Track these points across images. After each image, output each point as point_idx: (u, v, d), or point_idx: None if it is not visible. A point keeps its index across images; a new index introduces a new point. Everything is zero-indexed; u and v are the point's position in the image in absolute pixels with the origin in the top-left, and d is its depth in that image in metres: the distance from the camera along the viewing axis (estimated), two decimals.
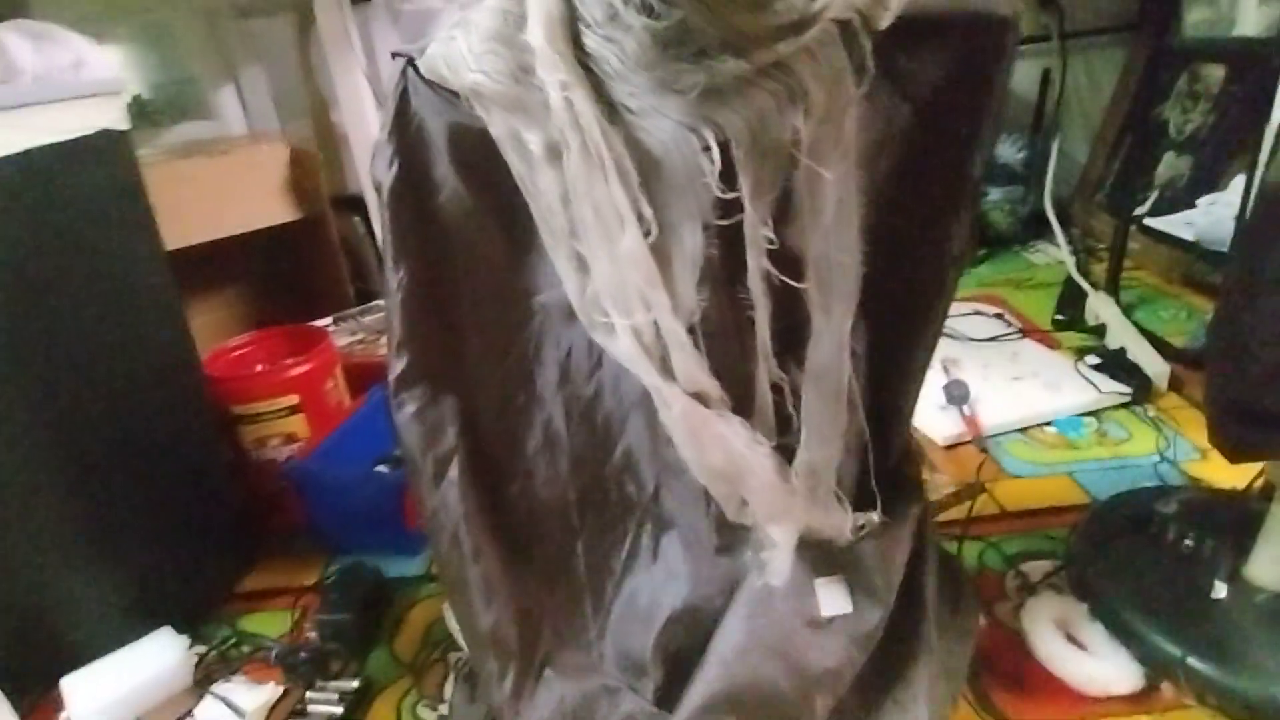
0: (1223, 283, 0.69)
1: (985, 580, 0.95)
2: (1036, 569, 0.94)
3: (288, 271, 1.52)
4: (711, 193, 0.48)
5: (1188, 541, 0.89)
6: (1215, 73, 1.61)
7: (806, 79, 0.46)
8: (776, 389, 0.57)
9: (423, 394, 0.62)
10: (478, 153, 0.53)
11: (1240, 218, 1.15)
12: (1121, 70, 1.94)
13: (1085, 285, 1.52)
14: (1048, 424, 1.23)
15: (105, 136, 0.90)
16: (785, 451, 0.59)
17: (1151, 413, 1.24)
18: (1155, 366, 1.29)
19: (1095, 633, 0.83)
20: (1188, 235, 1.42)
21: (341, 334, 1.44)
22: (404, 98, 0.54)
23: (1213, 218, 1.40)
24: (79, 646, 0.90)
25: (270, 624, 1.02)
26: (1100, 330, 1.43)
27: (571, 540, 0.70)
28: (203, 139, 1.58)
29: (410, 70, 0.54)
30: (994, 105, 0.56)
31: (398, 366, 0.61)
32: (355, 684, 0.89)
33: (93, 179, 0.89)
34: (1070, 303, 1.53)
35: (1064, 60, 1.87)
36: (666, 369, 0.52)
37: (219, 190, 1.36)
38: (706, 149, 0.46)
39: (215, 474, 1.09)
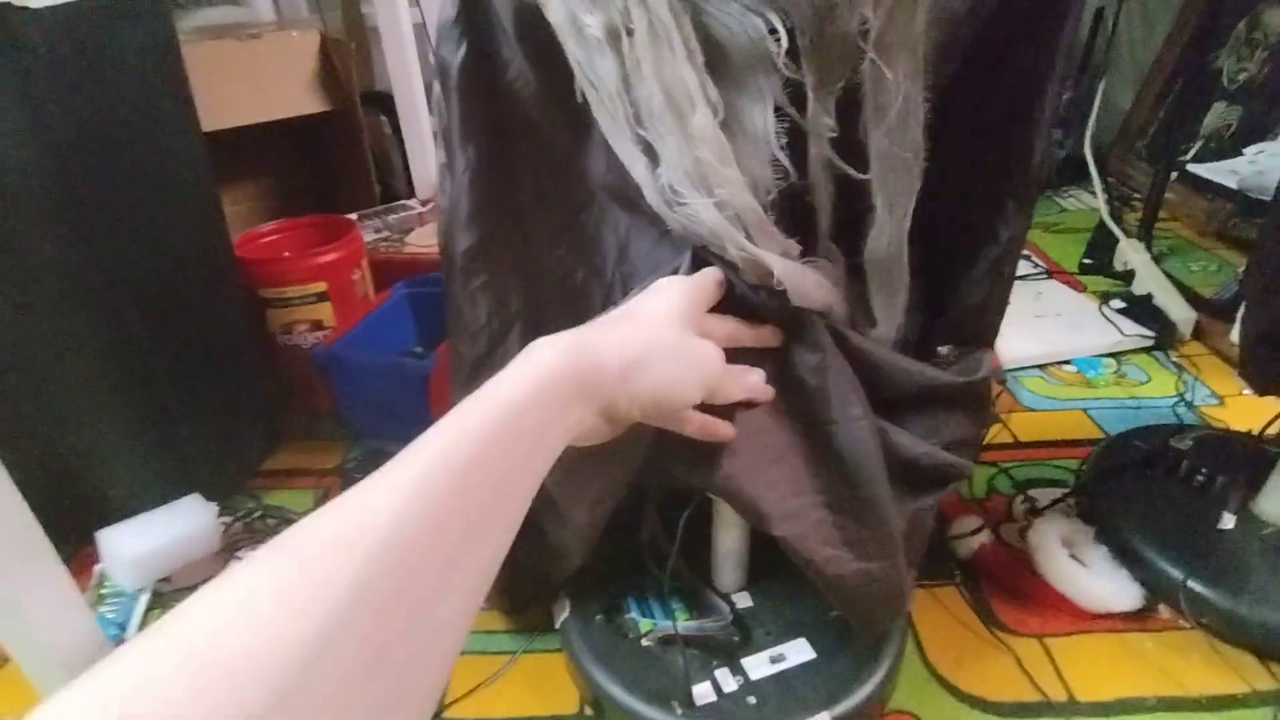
0: (1266, 224, 0.68)
1: (993, 502, 0.97)
2: (1045, 495, 0.96)
3: (315, 165, 1.51)
4: (779, 76, 0.47)
5: (1200, 476, 0.90)
6: (1277, 19, 1.55)
7: None
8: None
9: (491, 267, 0.62)
10: (541, 35, 0.53)
11: None
12: (1178, 13, 1.87)
13: (1117, 231, 1.51)
14: (1066, 362, 1.24)
15: None
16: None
17: (1174, 358, 1.24)
18: (1181, 313, 1.29)
19: (1099, 554, 0.85)
20: (1231, 183, 1.39)
21: (366, 231, 1.43)
22: None
23: (1259, 166, 1.37)
24: (115, 504, 0.94)
25: (294, 500, 1.05)
26: (1128, 277, 1.42)
27: None
28: (231, 23, 1.54)
29: None
30: (1069, 16, 0.54)
31: (466, 241, 0.61)
32: None
33: (134, 39, 0.88)
34: (1100, 247, 1.51)
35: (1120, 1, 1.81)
36: (752, 238, 0.53)
37: (250, 75, 1.34)
38: (773, 33, 0.46)
39: (245, 353, 1.10)
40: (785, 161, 0.51)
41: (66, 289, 0.85)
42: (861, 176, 0.52)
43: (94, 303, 0.87)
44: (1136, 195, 1.79)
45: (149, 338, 0.93)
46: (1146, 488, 0.91)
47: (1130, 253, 1.44)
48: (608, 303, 0.65)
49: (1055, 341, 1.26)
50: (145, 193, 0.91)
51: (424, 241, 1.41)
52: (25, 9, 0.76)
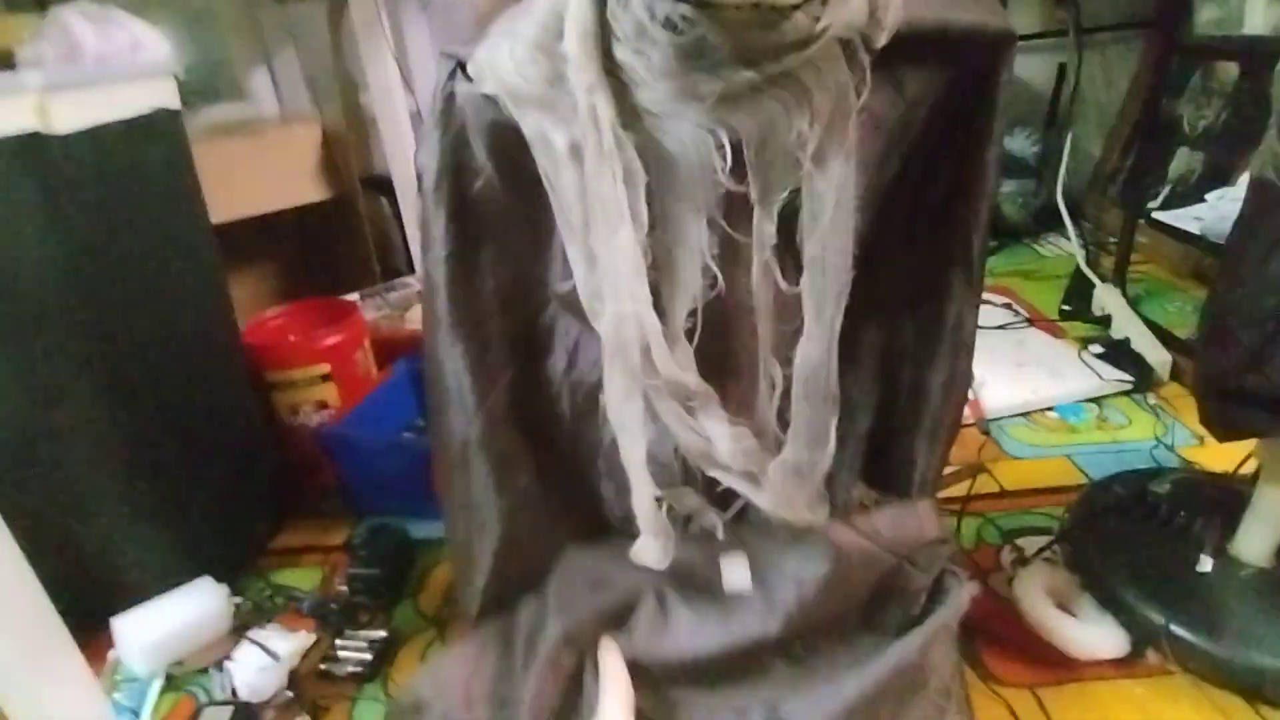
0: (1215, 273, 0.73)
1: (981, 553, 1.00)
2: (1031, 544, 0.99)
3: (318, 248, 1.58)
4: (721, 189, 0.53)
5: (1179, 519, 0.93)
6: (1230, 70, 1.63)
7: (812, 88, 0.50)
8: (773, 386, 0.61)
9: (467, 345, 0.65)
10: (511, 148, 0.58)
11: None
12: (1136, 66, 1.96)
13: (1093, 276, 1.56)
14: (1049, 409, 1.27)
15: (162, 115, 0.95)
16: (777, 444, 0.62)
17: (1152, 400, 1.28)
18: (1157, 355, 1.32)
19: (1085, 601, 0.88)
20: (1195, 229, 1.45)
21: (368, 309, 1.49)
22: (451, 95, 0.59)
23: (1219, 212, 1.43)
24: (128, 590, 0.97)
25: (303, 578, 1.08)
26: (1106, 321, 1.47)
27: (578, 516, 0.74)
28: (237, 120, 1.63)
29: (458, 71, 0.59)
30: (996, 110, 0.60)
31: (448, 316, 0.64)
32: (383, 634, 0.95)
33: (150, 154, 0.95)
34: (1078, 294, 1.56)
35: (1079, 55, 1.90)
36: (647, 360, 0.56)
37: (255, 169, 1.42)
38: (721, 148, 0.51)
39: (253, 437, 1.15)
40: (716, 270, 0.55)
41: (82, 380, 0.90)
42: (793, 290, 0.56)
43: (108, 391, 0.92)
44: (1112, 240, 1.85)
45: (161, 424, 0.98)
46: (1128, 533, 0.94)
47: (1106, 297, 1.48)
48: (558, 412, 0.69)
49: (1038, 389, 1.29)
50: (158, 288, 0.97)
51: None
52: (52, 137, 0.83)
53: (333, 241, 1.58)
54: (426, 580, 1.05)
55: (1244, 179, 1.49)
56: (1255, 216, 0.66)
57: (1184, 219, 1.51)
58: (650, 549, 0.60)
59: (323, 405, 1.22)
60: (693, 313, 0.57)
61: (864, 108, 0.52)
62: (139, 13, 1.00)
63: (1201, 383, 0.75)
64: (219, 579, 1.02)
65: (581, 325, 0.67)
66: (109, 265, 0.91)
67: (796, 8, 0.47)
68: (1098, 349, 1.37)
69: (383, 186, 1.73)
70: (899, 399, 0.71)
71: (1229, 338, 0.70)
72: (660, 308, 0.57)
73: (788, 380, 0.59)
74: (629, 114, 0.52)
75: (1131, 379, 1.29)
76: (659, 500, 0.60)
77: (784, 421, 0.61)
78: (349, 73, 1.63)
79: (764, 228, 0.54)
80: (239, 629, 0.99)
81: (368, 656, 0.92)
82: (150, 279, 0.96)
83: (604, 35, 0.52)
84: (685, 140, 0.52)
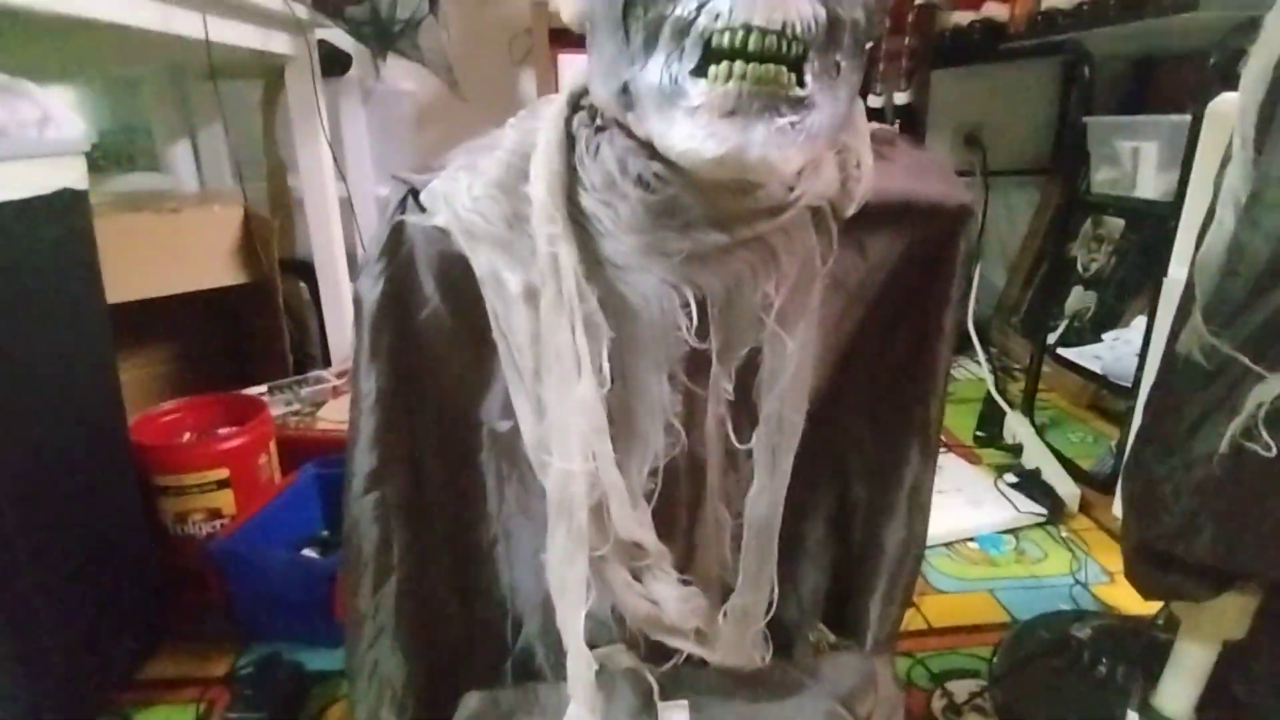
0: (1136, 435, 0.76)
1: (913, 697, 0.97)
2: (961, 688, 0.97)
3: (226, 335, 1.47)
4: (683, 346, 0.52)
5: (1101, 667, 0.94)
6: (1116, 222, 1.79)
7: (780, 253, 0.51)
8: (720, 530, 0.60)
9: (384, 496, 0.62)
10: (461, 283, 0.56)
11: (1142, 360, 1.27)
12: (1036, 208, 2.13)
13: (1004, 405, 1.63)
14: (971, 539, 1.29)
15: (65, 195, 0.87)
16: (723, 589, 0.61)
17: (1064, 533, 1.32)
18: (1067, 488, 1.38)
19: None
20: (1096, 368, 1.54)
21: (276, 404, 1.39)
22: (400, 223, 0.57)
23: (1117, 354, 1.53)
24: None
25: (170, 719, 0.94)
26: (1017, 450, 1.53)
27: (502, 659, 0.70)
28: (152, 191, 1.54)
29: (410, 198, 0.57)
30: (957, 276, 0.62)
31: (365, 465, 0.61)
32: None
33: (48, 235, 0.86)
34: (990, 420, 1.62)
35: (985, 195, 2.05)
36: (598, 519, 0.54)
37: (167, 246, 1.33)
38: (685, 305, 0.50)
39: (130, 549, 1.02)
40: (679, 427, 0.54)
41: None
42: (744, 447, 0.56)
43: None
44: (1016, 366, 1.96)
45: (16, 529, 0.85)
46: (1055, 681, 0.94)
47: (1017, 427, 1.55)
48: (493, 550, 0.65)
49: (960, 519, 1.32)
50: (39, 374, 0.87)
51: (336, 417, 1.37)
52: None
53: (244, 329, 1.49)
54: None
55: (1137, 324, 1.63)
56: (1182, 392, 0.69)
57: (1084, 357, 1.61)
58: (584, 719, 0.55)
59: (216, 514, 1.11)
60: (653, 471, 0.55)
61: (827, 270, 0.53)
62: (58, 77, 0.94)
63: (1131, 548, 0.77)
64: (69, 718, 0.88)
65: (515, 469, 0.64)
66: None
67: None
68: (1012, 478, 1.41)
69: (303, 271, 1.66)
70: (852, 552, 0.70)
71: (1159, 507, 0.72)
72: (617, 465, 0.54)
73: (735, 528, 0.58)
74: (592, 263, 0.51)
75: (1044, 511, 1.33)
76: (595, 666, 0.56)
77: (726, 567, 0.60)
78: (278, 154, 1.57)
79: (721, 384, 0.54)
80: None
81: None
82: (33, 363, 0.86)
83: (570, 181, 0.51)
84: (649, 295, 0.51)
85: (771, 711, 0.59)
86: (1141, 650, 0.93)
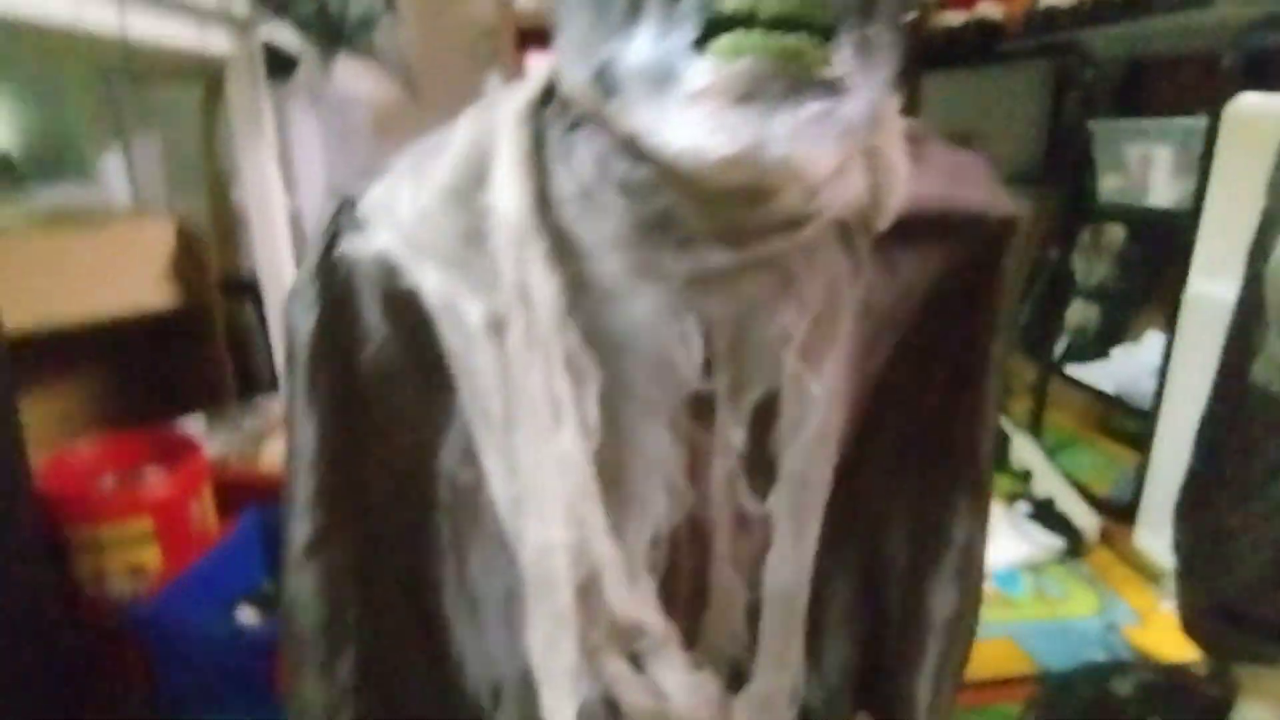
0: (1191, 475, 0.67)
1: None
2: None
3: (157, 360, 1.33)
4: (686, 388, 0.42)
5: None
6: (1116, 230, 1.71)
7: (800, 276, 0.42)
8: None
9: (328, 565, 0.51)
10: (411, 310, 0.47)
11: (1162, 381, 1.18)
12: (1032, 217, 2.05)
13: (1009, 427, 1.53)
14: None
15: None
16: (734, 672, 0.51)
17: (1085, 569, 1.22)
18: (1085, 519, 1.28)
19: None
20: (1107, 386, 1.45)
21: (214, 441, 1.25)
22: (334, 237, 0.46)
23: (1129, 371, 1.44)
24: None
25: None
26: (1025, 475, 1.43)
27: None
28: (78, 205, 1.39)
29: (346, 210, 0.46)
30: (1000, 293, 0.52)
31: (303, 531, 0.50)
32: None
33: None
34: (996, 444, 1.53)
35: None
36: (587, 597, 0.44)
37: (92, 265, 1.18)
38: (686, 338, 0.41)
39: (37, 618, 0.87)
40: (685, 489, 0.44)
41: None
42: (763, 510, 0.46)
43: None
44: (1017, 384, 1.87)
45: None
46: None
47: (1025, 452, 1.45)
48: (454, 622, 0.55)
49: None
50: None
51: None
52: None
53: (178, 353, 1.34)
54: None
55: (1148, 338, 1.54)
56: (1259, 429, 0.59)
57: (1093, 374, 1.52)
58: None
59: (139, 571, 0.97)
60: (654, 540, 0.45)
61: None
62: None
63: (1195, 605, 0.67)
64: None
65: (477, 526, 0.53)
66: None
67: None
68: (1025, 508, 1.31)
69: (249, 290, 1.52)
70: (889, 621, 0.59)
71: (1234, 559, 0.62)
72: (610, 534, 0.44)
73: (750, 602, 0.49)
74: (571, 289, 0.41)
75: (1063, 543, 1.23)
76: None
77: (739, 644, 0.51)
78: (219, 164, 1.44)
79: (730, 434, 0.44)
80: None
81: None
82: None
83: (541, 189, 0.41)
84: (642, 326, 0.41)
85: None
86: (1189, 707, 0.83)
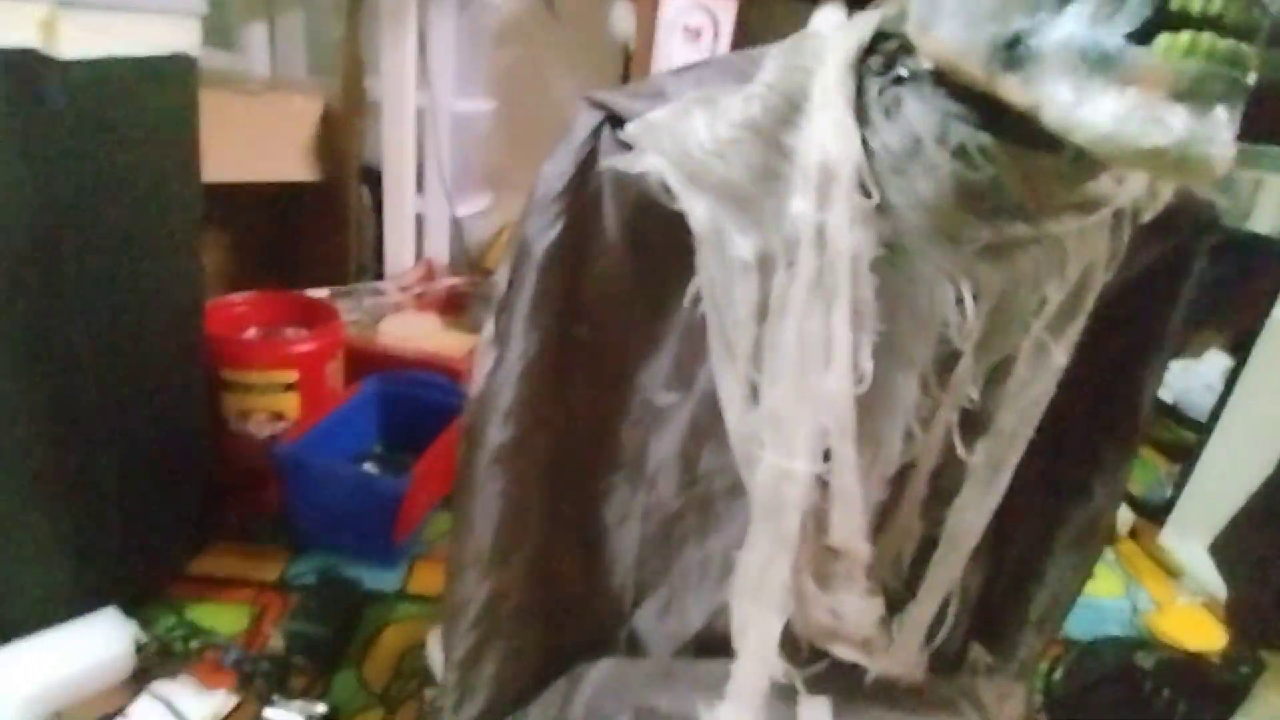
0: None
1: None
2: None
3: (289, 232, 1.41)
4: (945, 348, 0.46)
5: (1162, 697, 0.93)
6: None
7: (1070, 254, 0.45)
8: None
9: (518, 472, 0.55)
10: (654, 233, 0.49)
11: (1225, 398, 1.24)
12: None
13: None
14: None
15: (179, 60, 0.81)
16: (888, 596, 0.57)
17: (1112, 556, 1.31)
18: (1120, 513, 1.36)
19: None
20: (1166, 397, 1.52)
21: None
22: (593, 154, 0.49)
23: (1186, 385, 1.50)
24: (14, 608, 0.79)
25: (223, 618, 0.92)
26: None
27: (614, 637, 0.65)
28: (222, 70, 1.46)
29: (606, 125, 0.49)
30: (1193, 274, 0.58)
31: (500, 436, 0.54)
32: (322, 709, 0.81)
33: (155, 101, 0.81)
34: None
35: None
36: (818, 524, 0.49)
37: (244, 132, 1.26)
38: (960, 301, 0.44)
39: (191, 438, 0.98)
40: (920, 435, 0.49)
41: (18, 350, 0.73)
42: (969, 459, 0.50)
43: (31, 363, 0.75)
44: None
45: (80, 410, 0.81)
46: (1115, 708, 0.93)
47: None
48: (619, 531, 0.60)
49: None
50: (130, 255, 0.82)
51: (398, 331, 1.33)
52: (53, 60, 0.68)
53: (308, 228, 1.42)
54: (375, 644, 0.92)
55: (1210, 357, 1.60)
56: None
57: None
58: None
59: (279, 417, 1.07)
60: (883, 479, 0.50)
61: None
62: None
63: (1257, 595, 0.75)
64: (122, 602, 0.85)
65: (663, 446, 0.58)
66: (84, 218, 0.75)
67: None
68: None
69: (368, 177, 1.59)
70: (1010, 565, 0.66)
71: None
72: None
73: (928, 538, 0.54)
74: (872, 242, 0.44)
75: None
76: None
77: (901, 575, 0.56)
78: (358, 52, 1.49)
79: (965, 389, 0.48)
80: (140, 676, 0.83)
81: None
82: (124, 245, 0.81)
83: (863, 138, 0.44)
84: (920, 285, 0.44)
85: None
86: (1206, 688, 0.92)
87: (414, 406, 1.15)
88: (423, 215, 1.60)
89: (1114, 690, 0.95)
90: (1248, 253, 1.48)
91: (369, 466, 1.11)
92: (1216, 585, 0.84)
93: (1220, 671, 0.94)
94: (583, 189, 0.50)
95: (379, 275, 1.59)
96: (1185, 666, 1.01)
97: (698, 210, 0.47)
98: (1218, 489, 1.10)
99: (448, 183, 1.57)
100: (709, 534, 0.60)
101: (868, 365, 0.45)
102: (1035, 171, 0.41)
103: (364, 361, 1.21)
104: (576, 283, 0.53)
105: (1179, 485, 1.35)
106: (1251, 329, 1.28)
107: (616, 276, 0.53)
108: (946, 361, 0.47)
